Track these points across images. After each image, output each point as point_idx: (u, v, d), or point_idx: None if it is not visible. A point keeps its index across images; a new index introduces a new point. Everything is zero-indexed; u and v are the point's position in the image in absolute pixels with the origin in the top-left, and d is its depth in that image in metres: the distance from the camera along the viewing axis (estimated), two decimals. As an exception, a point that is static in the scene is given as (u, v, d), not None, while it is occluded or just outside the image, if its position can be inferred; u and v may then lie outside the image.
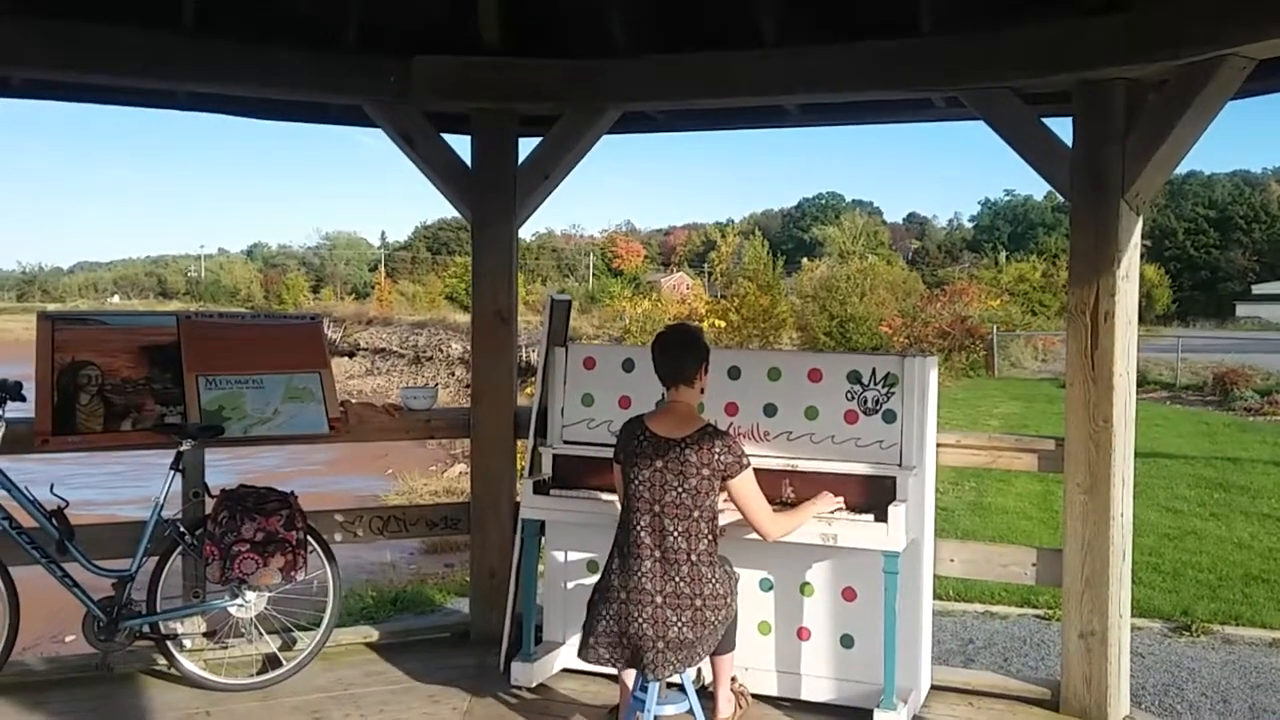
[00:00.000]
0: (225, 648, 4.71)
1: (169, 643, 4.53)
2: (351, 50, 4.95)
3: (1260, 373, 24.20)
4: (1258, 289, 71.84)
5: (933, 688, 4.60)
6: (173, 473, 4.56)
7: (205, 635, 4.74)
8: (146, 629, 4.47)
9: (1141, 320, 4.46)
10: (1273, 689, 5.80)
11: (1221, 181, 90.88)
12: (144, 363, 4.73)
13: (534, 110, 5.17)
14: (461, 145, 5.19)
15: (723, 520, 3.88)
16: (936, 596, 5.40)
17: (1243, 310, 69.41)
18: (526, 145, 5.20)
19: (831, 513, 4.08)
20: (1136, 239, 4.28)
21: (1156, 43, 3.87)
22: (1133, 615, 4.56)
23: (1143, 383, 21.40)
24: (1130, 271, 4.25)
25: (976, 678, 4.81)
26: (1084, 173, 4.23)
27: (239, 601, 4.51)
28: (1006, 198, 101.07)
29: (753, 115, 5.62)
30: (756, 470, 3.83)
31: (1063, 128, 4.35)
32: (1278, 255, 75.40)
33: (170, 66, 4.67)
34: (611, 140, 5.56)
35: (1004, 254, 64.59)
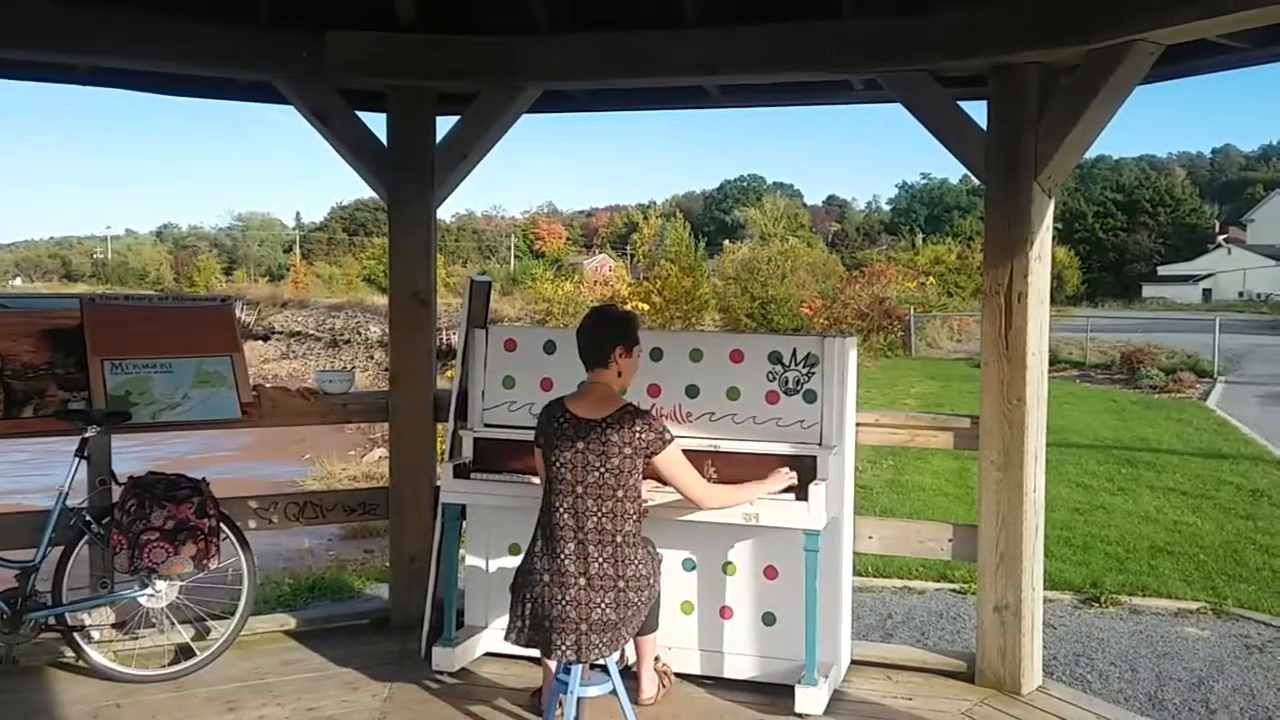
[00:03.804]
0: (136, 638, 4.59)
1: (76, 634, 4.39)
2: (262, 24, 4.80)
3: (1165, 351, 25.12)
4: (1163, 270, 74.26)
5: (853, 663, 4.66)
6: (78, 460, 4.41)
7: (114, 626, 4.61)
8: (52, 620, 4.33)
9: (1053, 301, 4.55)
10: (1178, 657, 6.00)
11: (1129, 166, 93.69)
12: (46, 347, 4.55)
13: (452, 88, 5.08)
14: (377, 123, 5.08)
15: (654, 501, 3.88)
16: (856, 573, 5.47)
17: (1149, 291, 71.65)
18: (445, 124, 5.11)
19: (782, 491, 4.09)
20: (1048, 221, 4.36)
21: (1068, 27, 3.93)
22: (1045, 588, 4.67)
23: (1054, 362, 21.96)
24: (1043, 253, 4.33)
25: (895, 652, 4.88)
26: (998, 156, 4.29)
27: (149, 591, 4.39)
28: (923, 181, 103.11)
29: (673, 96, 5.61)
30: (678, 451, 3.83)
31: (978, 111, 4.41)
32: (1182, 238, 77.86)
33: (73, 39, 4.48)
34: (533, 120, 5.50)
35: (920, 236, 65.48)
